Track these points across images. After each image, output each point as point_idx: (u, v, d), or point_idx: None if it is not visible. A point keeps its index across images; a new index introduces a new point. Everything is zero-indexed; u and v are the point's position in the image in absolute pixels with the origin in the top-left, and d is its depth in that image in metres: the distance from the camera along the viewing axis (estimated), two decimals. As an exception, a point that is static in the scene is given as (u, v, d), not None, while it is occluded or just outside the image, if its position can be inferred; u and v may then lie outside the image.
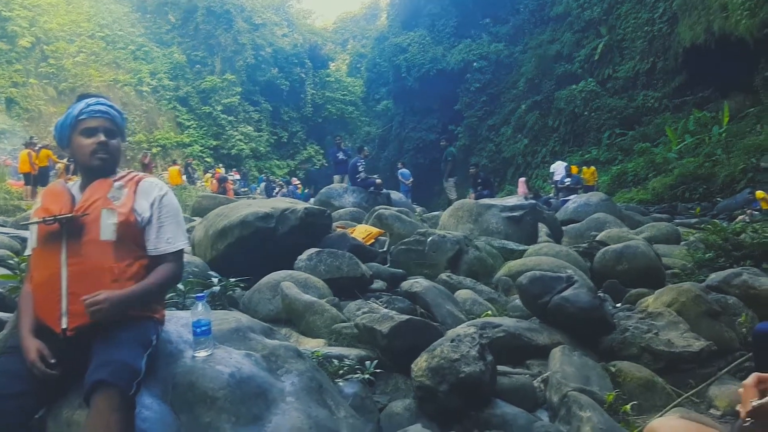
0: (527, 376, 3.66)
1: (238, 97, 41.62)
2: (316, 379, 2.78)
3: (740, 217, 13.02)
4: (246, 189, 30.04)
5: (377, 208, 8.94)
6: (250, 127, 41.49)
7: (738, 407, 1.36)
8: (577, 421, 2.96)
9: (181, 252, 2.54)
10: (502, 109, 35.23)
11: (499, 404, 3.16)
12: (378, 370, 3.43)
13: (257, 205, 6.29)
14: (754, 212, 14.46)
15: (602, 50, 30.01)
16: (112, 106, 2.54)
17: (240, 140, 40.12)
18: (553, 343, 3.98)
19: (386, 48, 42.48)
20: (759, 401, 1.20)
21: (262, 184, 30.20)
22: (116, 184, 2.47)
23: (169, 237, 2.47)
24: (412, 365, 3.21)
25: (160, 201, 2.49)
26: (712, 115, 24.18)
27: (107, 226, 2.35)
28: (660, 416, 3.17)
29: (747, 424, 1.20)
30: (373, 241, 7.13)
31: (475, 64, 36.35)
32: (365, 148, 15.28)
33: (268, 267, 5.20)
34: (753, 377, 1.29)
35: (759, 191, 15.82)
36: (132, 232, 2.41)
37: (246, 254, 5.63)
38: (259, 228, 5.69)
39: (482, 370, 3.11)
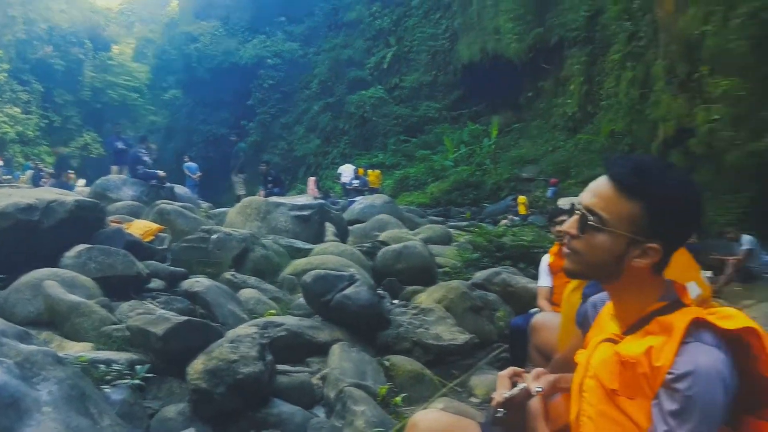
0: (306, 373, 3.71)
1: (5, 74, 36.84)
2: (78, 387, 2.56)
3: (503, 222, 14.48)
4: (9, 177, 26.66)
5: (159, 202, 8.48)
6: (17, 109, 36.94)
7: (493, 395, 1.48)
8: (351, 416, 3.07)
9: None
10: (295, 108, 35.40)
11: (277, 403, 3.16)
12: (150, 375, 3.25)
13: (20, 194, 5.63)
14: (514, 217, 16.18)
15: (391, 59, 31.52)
16: None
17: (4, 122, 35.57)
18: (333, 340, 4.08)
19: (176, 36, 40.48)
20: (510, 393, 1.31)
21: (29, 172, 27.03)
22: None
23: None
24: (188, 368, 3.09)
25: None
26: (483, 128, 26.62)
27: None
28: (425, 407, 3.41)
29: (499, 414, 1.29)
30: (152, 237, 6.74)
31: (269, 60, 36.08)
32: (148, 138, 14.38)
33: (30, 264, 4.68)
34: (508, 370, 1.41)
35: (521, 196, 17.74)
36: None
37: (4, 249, 5.01)
38: (20, 220, 5.09)
39: (261, 370, 3.09)
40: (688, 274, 1.78)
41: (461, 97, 29.21)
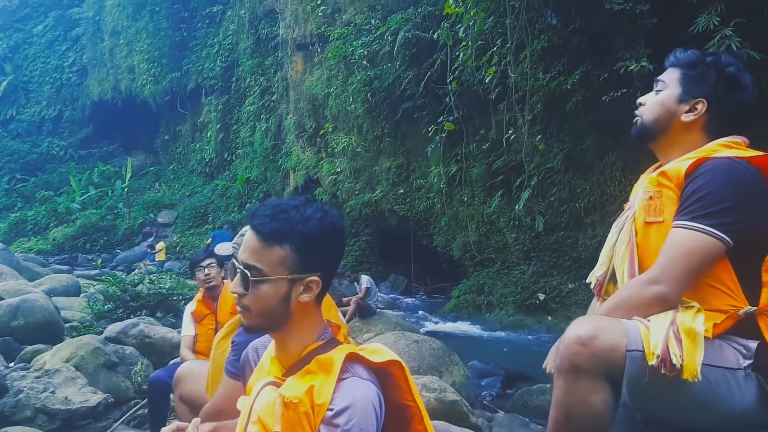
0: None
1: None
2: None
3: (138, 269, 13.81)
4: None
5: None
6: None
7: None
8: None
9: None
10: None
11: None
12: None
13: None
14: (149, 264, 15.58)
15: (6, 89, 27.99)
16: None
17: None
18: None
19: None
20: None
21: None
22: None
23: None
24: None
25: None
26: (116, 170, 25.25)
27: None
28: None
29: None
30: None
31: None
32: None
33: None
34: (171, 427, 1.37)
35: (160, 242, 17.19)
36: None
37: None
38: None
39: None
40: (329, 314, 1.95)
41: (91, 136, 27.41)
